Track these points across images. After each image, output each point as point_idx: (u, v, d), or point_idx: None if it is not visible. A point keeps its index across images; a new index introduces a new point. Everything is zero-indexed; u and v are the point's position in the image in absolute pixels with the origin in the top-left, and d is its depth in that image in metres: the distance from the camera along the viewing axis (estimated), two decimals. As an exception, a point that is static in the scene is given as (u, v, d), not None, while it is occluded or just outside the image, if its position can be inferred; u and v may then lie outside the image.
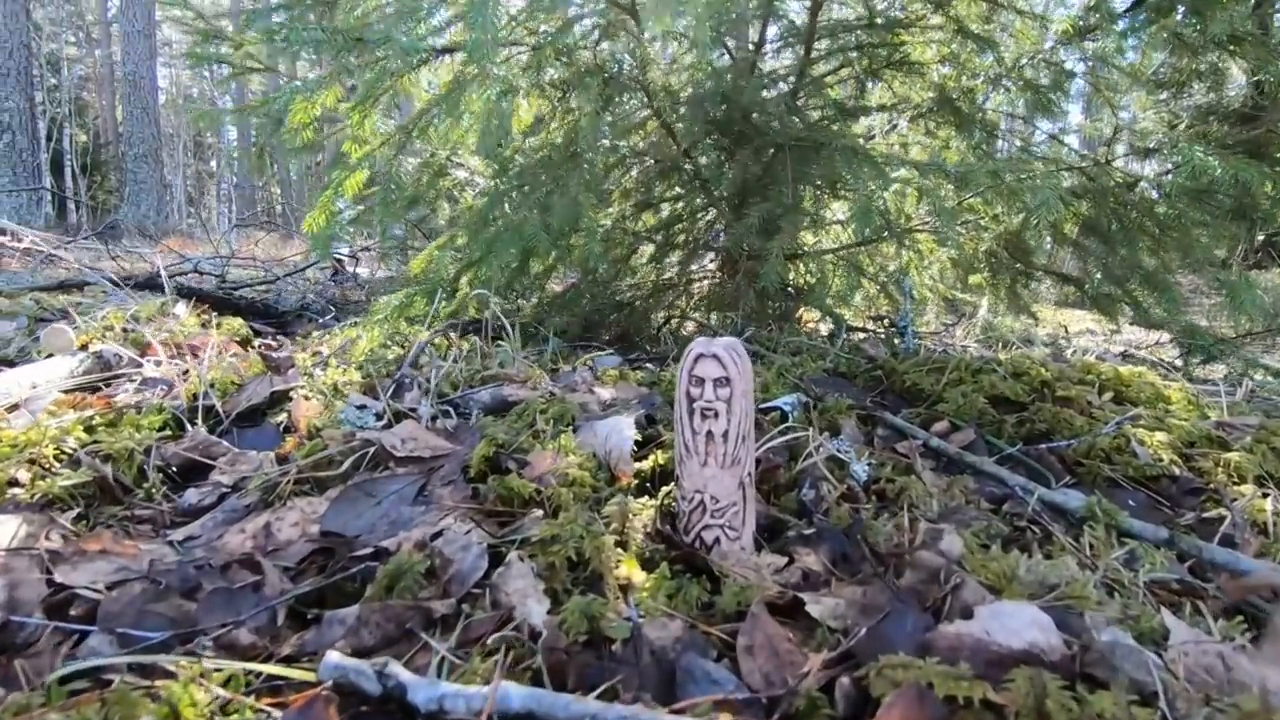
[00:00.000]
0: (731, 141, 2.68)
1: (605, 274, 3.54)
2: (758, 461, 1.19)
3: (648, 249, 3.59)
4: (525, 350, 2.27)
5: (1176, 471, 1.31)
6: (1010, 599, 0.80)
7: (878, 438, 1.53)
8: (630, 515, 0.93)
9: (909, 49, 3.02)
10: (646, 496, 1.03)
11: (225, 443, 1.18)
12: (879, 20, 2.77)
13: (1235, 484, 1.29)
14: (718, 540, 0.95)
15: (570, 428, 1.25)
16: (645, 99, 2.58)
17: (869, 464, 1.21)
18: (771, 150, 2.72)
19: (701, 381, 0.93)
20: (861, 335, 3.24)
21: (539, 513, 0.96)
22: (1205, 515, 1.19)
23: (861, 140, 2.85)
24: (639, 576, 0.82)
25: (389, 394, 1.32)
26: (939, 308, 3.83)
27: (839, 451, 1.23)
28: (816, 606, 0.80)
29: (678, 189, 3.26)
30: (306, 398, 1.33)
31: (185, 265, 4.28)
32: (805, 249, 3.53)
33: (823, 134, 2.42)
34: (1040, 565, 0.90)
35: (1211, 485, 1.28)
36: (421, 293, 2.12)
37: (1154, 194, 2.37)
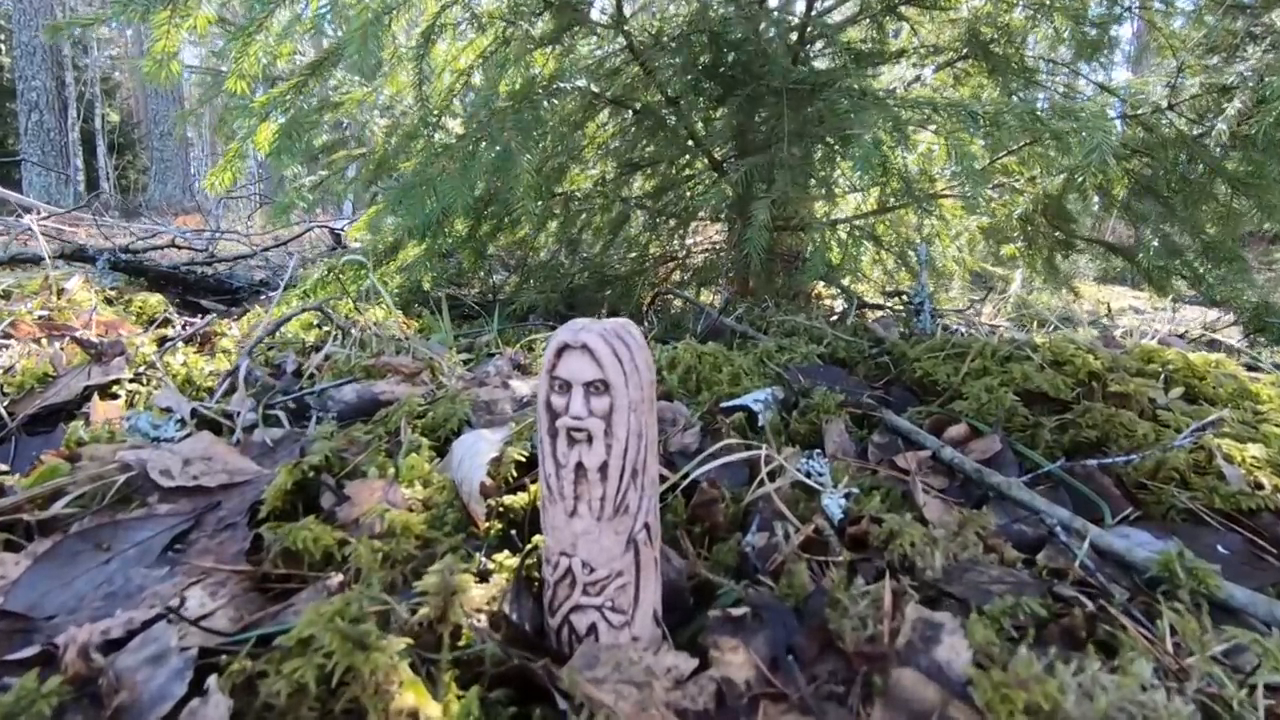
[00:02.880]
0: (724, 89, 2.31)
1: (591, 244, 3.20)
2: (687, 493, 0.86)
3: (639, 217, 3.25)
4: (470, 331, 1.95)
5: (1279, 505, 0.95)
6: (1051, 773, 0.46)
7: (873, 445, 1.18)
8: (458, 592, 0.61)
9: (933, -18, 2.60)
10: (507, 551, 0.71)
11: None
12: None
13: (1367, 521, 0.93)
14: (594, 628, 0.62)
15: (445, 439, 0.93)
16: (623, 40, 2.22)
17: (849, 493, 0.87)
18: (771, 101, 2.34)
19: (567, 387, 0.60)
20: (878, 314, 2.87)
21: (334, 581, 0.64)
22: (1333, 572, 0.84)
23: (877, 89, 2.45)
24: (430, 711, 0.50)
25: (222, 392, 1.01)
26: (965, 282, 3.42)
27: (809, 477, 0.89)
28: (717, 774, 0.47)
29: (666, 147, 2.90)
30: (113, 395, 1.02)
31: (158, 240, 4.03)
32: (810, 217, 3.16)
33: (826, 76, 2.04)
34: (1098, 683, 0.55)
35: (1336, 524, 0.92)
36: (350, 263, 1.81)
37: (1221, 142, 1.95)
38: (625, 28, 2.18)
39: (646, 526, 0.63)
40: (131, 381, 1.11)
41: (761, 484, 0.84)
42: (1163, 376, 1.35)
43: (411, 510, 0.72)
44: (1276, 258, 5.96)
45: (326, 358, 1.32)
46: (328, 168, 3.16)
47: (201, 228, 4.77)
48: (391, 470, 0.78)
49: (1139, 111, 2.34)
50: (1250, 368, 1.49)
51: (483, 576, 0.67)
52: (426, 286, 2.33)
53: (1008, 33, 2.58)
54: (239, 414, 0.93)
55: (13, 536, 0.70)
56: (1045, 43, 2.68)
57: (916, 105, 1.79)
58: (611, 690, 0.55)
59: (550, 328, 2.02)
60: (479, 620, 0.62)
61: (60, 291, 1.68)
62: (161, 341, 1.42)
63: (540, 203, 2.05)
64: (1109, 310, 4.29)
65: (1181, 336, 2.67)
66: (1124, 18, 2.46)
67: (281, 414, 0.94)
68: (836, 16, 2.76)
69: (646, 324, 2.67)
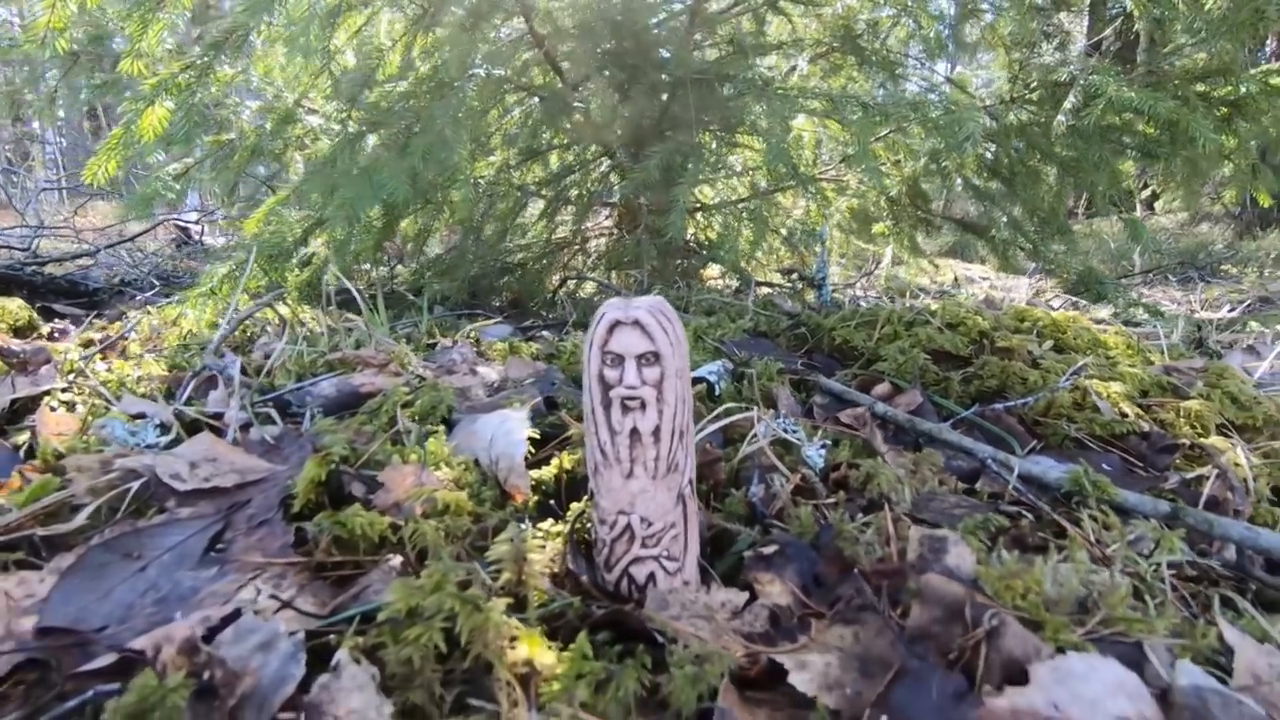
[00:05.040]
0: (627, 78, 2.37)
1: (491, 233, 3.17)
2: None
3: (538, 205, 3.25)
4: (400, 323, 1.91)
5: (1146, 427, 1.18)
6: (1052, 638, 0.59)
7: (817, 407, 1.32)
8: (527, 556, 0.65)
9: (809, -21, 2.80)
10: (551, 520, 0.75)
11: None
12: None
13: (1201, 436, 1.18)
14: (652, 577, 0.69)
15: (444, 425, 0.95)
16: (525, 24, 2.23)
17: (823, 445, 0.99)
18: (670, 89, 2.44)
19: (619, 360, 0.66)
20: (767, 290, 3.07)
21: (394, 562, 0.66)
22: (1186, 477, 1.06)
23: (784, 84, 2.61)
24: (546, 659, 0.55)
25: (184, 396, 0.96)
26: (841, 259, 3.73)
27: (787, 432, 0.99)
28: (802, 675, 0.56)
29: (566, 135, 2.92)
30: (61, 406, 0.94)
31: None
32: (705, 201, 3.31)
33: (729, 67, 2.16)
34: (1063, 570, 0.70)
35: (1181, 439, 1.16)
36: (259, 258, 1.71)
37: (1059, 132, 2.29)
38: (530, 13, 2.19)
39: (690, 482, 0.70)
40: (64, 391, 1.02)
41: (754, 441, 0.93)
42: (1035, 332, 1.60)
43: (458, 486, 0.74)
44: (1093, 229, 6.93)
45: (267, 355, 1.26)
46: (192, 155, 2.90)
47: (11, 224, 4.19)
48: (415, 455, 0.80)
49: (987, 104, 2.67)
50: (1097, 321, 1.78)
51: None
52: (330, 281, 2.24)
53: (875, 29, 2.83)
54: (225, 414, 0.89)
55: (19, 555, 0.65)
56: (908, 41, 2.96)
57: (817, 97, 1.94)
58: (688, 624, 0.62)
59: (486, 318, 2.02)
60: (545, 581, 0.67)
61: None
62: (87, 346, 1.28)
63: (482, 193, 2.02)
64: (956, 280, 4.82)
65: (1044, 299, 3.07)
66: (978, 14, 2.78)
67: (273, 411, 0.91)
68: (722, 7, 2.89)
69: (560, 310, 2.71)
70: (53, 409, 0.93)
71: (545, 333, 2.16)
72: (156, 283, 2.52)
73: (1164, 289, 6.23)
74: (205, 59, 1.48)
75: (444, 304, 2.51)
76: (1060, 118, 2.04)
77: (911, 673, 0.56)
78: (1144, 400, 1.29)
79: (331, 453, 0.76)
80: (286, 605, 0.57)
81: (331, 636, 0.56)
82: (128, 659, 0.54)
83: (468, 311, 2.44)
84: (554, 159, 3.22)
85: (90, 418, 0.92)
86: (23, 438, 0.93)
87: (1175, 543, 0.82)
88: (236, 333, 1.66)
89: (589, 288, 3.04)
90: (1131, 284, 3.90)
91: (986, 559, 0.71)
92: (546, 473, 0.82)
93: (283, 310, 1.52)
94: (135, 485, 0.71)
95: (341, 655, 0.51)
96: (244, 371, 1.19)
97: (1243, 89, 2.37)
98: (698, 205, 3.18)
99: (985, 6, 2.90)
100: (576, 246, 3.33)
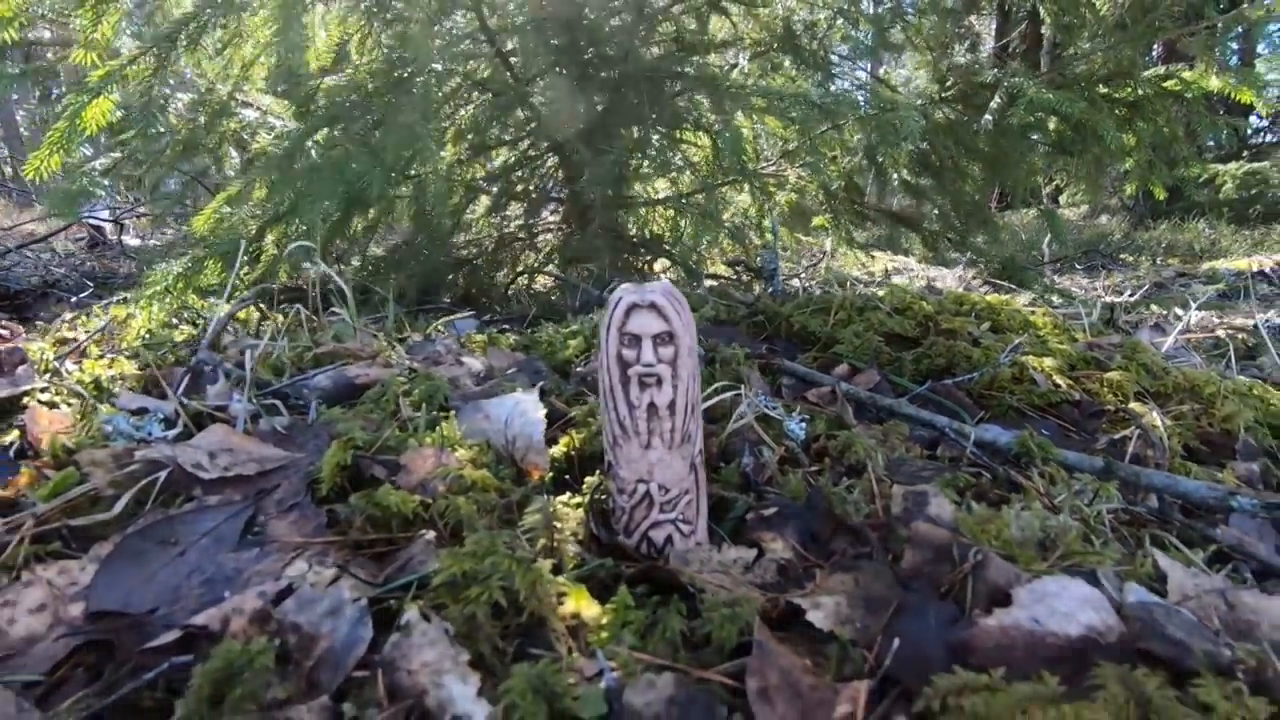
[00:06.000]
0: (578, 75, 2.41)
1: (442, 228, 3.15)
2: (687, 431, 1.01)
3: (484, 200, 3.24)
4: (360, 319, 1.90)
5: (1076, 396, 1.32)
6: (1025, 568, 0.68)
7: (785, 386, 1.40)
8: (558, 523, 0.70)
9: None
10: (567, 493, 0.80)
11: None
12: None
13: (1123, 402, 1.32)
14: (669, 540, 0.75)
15: (445, 412, 0.98)
16: (479, 22, 2.23)
17: (803, 419, 1.07)
18: (618, 85, 2.49)
19: (637, 340, 0.71)
20: (712, 282, 3.17)
21: (429, 535, 0.70)
22: (1113, 438, 1.19)
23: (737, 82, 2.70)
24: (591, 611, 0.60)
25: (181, 388, 0.96)
26: (788, 251, 3.87)
27: (769, 409, 1.07)
28: (818, 613, 0.63)
29: (516, 131, 2.94)
30: (50, 405, 0.93)
31: None
32: (653, 195, 3.38)
33: (681, 65, 2.23)
34: (1024, 517, 0.80)
35: (1107, 406, 1.30)
36: (214, 255, 1.67)
37: (985, 129, 2.46)
38: (483, 9, 2.20)
39: (700, 451, 0.77)
40: (42, 391, 0.99)
41: (741, 419, 1.00)
42: (974, 314, 1.74)
43: (476, 465, 0.78)
44: (1006, 221, 7.37)
45: (242, 351, 1.26)
46: (119, 149, 2.77)
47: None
48: (430, 439, 0.83)
49: (918, 103, 2.84)
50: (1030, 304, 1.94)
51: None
52: (283, 277, 2.20)
53: (812, 30, 2.96)
54: (229, 406, 0.89)
55: (54, 547, 0.66)
56: (841, 41, 3.10)
57: (767, 95, 2.04)
58: (710, 577, 0.69)
59: (447, 312, 2.03)
60: (573, 546, 0.72)
61: None
62: (61, 344, 1.24)
63: (446, 184, 2.02)
64: (887, 271, 5.08)
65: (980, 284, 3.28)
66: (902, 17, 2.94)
67: (279, 403, 0.92)
68: (666, 4, 2.96)
69: (516, 304, 2.73)
70: (51, 405, 0.91)
71: (505, 326, 2.18)
72: (89, 283, 2.40)
73: (1071, 277, 6.70)
74: (160, 51, 1.44)
75: (399, 300, 2.50)
76: (987, 117, 2.20)
77: (911, 606, 0.64)
78: (1073, 373, 1.43)
79: (354, 438, 0.78)
80: (344, 574, 0.61)
81: (392, 602, 0.60)
82: (190, 634, 0.57)
83: (430, 308, 2.43)
84: (502, 154, 3.22)
85: (81, 415, 0.91)
86: (10, 437, 0.91)
87: (1111, 491, 0.94)
88: (196, 329, 1.63)
89: (544, 281, 3.07)
90: (1044, 273, 4.21)
91: (961, 510, 0.81)
92: (557, 450, 0.86)
93: (261, 310, 1.50)
94: (162, 476, 0.72)
95: (411, 614, 0.55)
96: (239, 366, 1.19)
97: (1140, 91, 2.62)
98: (646, 199, 3.25)
99: (908, 8, 3.08)
100: (526, 242, 3.35)
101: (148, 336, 1.51)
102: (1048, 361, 1.42)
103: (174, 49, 1.46)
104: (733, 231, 3.52)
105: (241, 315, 1.86)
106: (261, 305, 1.55)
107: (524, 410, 0.84)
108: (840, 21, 2.89)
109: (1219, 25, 2.62)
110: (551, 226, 3.49)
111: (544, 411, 0.85)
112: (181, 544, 0.67)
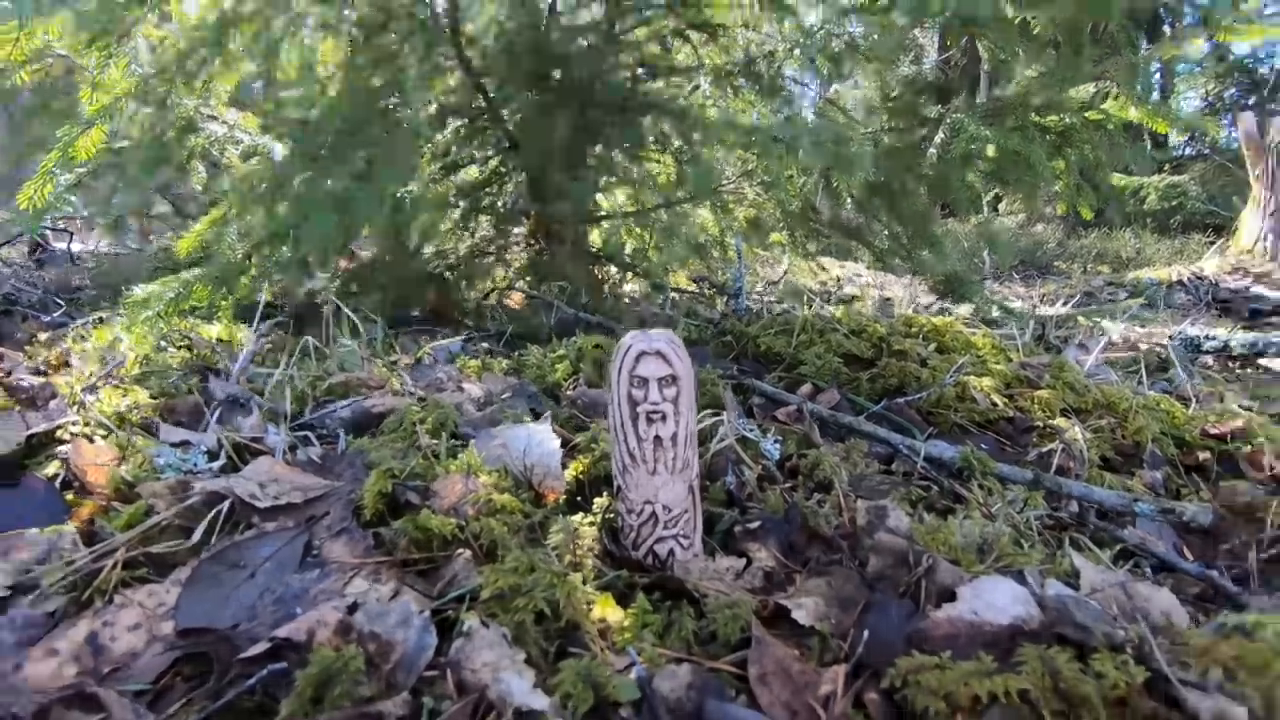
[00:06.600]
0: (554, 100, 2.52)
1: (413, 244, 3.21)
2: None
3: (452, 214, 3.31)
4: (341, 339, 1.97)
5: (1010, 413, 1.49)
6: (967, 569, 0.83)
7: (756, 406, 1.54)
8: (580, 539, 0.82)
9: (711, 12, 3.05)
10: (580, 513, 0.92)
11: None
12: (688, -19, 2.76)
13: (1050, 418, 1.50)
14: (671, 553, 0.87)
15: (457, 438, 1.09)
16: (455, 50, 2.31)
17: (777, 440, 1.21)
18: (586, 108, 2.61)
19: (645, 382, 0.84)
20: (676, 295, 3.32)
21: (466, 554, 0.80)
22: (1042, 451, 1.37)
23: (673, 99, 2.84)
24: (616, 615, 0.72)
25: (215, 418, 1.03)
26: (749, 266, 4.03)
27: (746, 431, 1.20)
28: (801, 612, 0.76)
29: (487, 150, 3.02)
30: (87, 438, 1.00)
31: None
32: (618, 210, 3.50)
33: (656, 96, 2.36)
34: (966, 525, 0.95)
35: (1036, 422, 1.48)
36: (205, 279, 1.72)
37: (931, 157, 2.67)
38: (459, 41, 2.28)
39: (697, 474, 0.89)
40: (73, 424, 1.06)
41: (723, 440, 1.13)
42: (921, 335, 1.91)
43: (500, 490, 0.89)
44: (950, 229, 7.74)
45: (250, 380, 1.33)
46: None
47: None
48: (455, 466, 0.94)
49: (869, 130, 3.04)
50: (967, 325, 2.13)
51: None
52: (269, 295, 2.24)
53: (771, 59, 3.13)
54: (265, 438, 0.98)
55: (141, 573, 0.74)
56: (799, 68, 3.28)
57: (733, 128, 2.18)
58: (710, 584, 0.81)
59: (429, 332, 2.11)
60: (592, 560, 0.83)
61: None
62: (55, 369, 1.28)
63: (437, 213, 2.09)
64: (839, 280, 5.32)
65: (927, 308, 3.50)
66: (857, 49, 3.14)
67: (311, 435, 1.01)
68: (629, 26, 3.09)
69: (491, 320, 2.81)
70: (88, 439, 0.98)
71: (484, 344, 2.28)
72: (58, 301, 2.40)
73: (1009, 285, 7.09)
74: (163, 89, 1.49)
75: (376, 315, 2.55)
76: (931, 150, 2.39)
77: (876, 604, 0.78)
78: (1008, 390, 1.61)
79: (392, 468, 0.88)
80: (401, 589, 0.71)
81: (449, 612, 0.70)
82: (278, 646, 0.67)
83: (410, 328, 2.50)
84: (472, 170, 3.30)
85: (119, 447, 0.99)
86: (50, 469, 0.98)
87: (1038, 500, 1.11)
88: (193, 354, 1.69)
89: (517, 297, 3.15)
90: (983, 286, 4.51)
91: (914, 520, 0.95)
92: (568, 474, 0.98)
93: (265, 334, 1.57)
94: (225, 506, 0.81)
95: (471, 622, 0.66)
96: (259, 395, 1.27)
97: (1068, 120, 2.87)
98: (610, 213, 3.37)
99: (859, 39, 3.28)
100: (495, 257, 3.43)
101: (146, 362, 1.56)
102: (986, 381, 1.59)
103: (170, 88, 1.51)
104: (695, 247, 3.68)
105: (229, 335, 1.91)
106: (247, 324, 1.62)
107: (541, 440, 0.96)
108: (797, 52, 3.07)
109: (1139, 61, 2.89)
110: (518, 239, 3.58)
111: (559, 442, 0.97)
112: (249, 567, 0.76)
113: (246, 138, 2.75)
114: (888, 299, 4.60)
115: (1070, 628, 0.73)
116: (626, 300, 3.21)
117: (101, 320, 2.10)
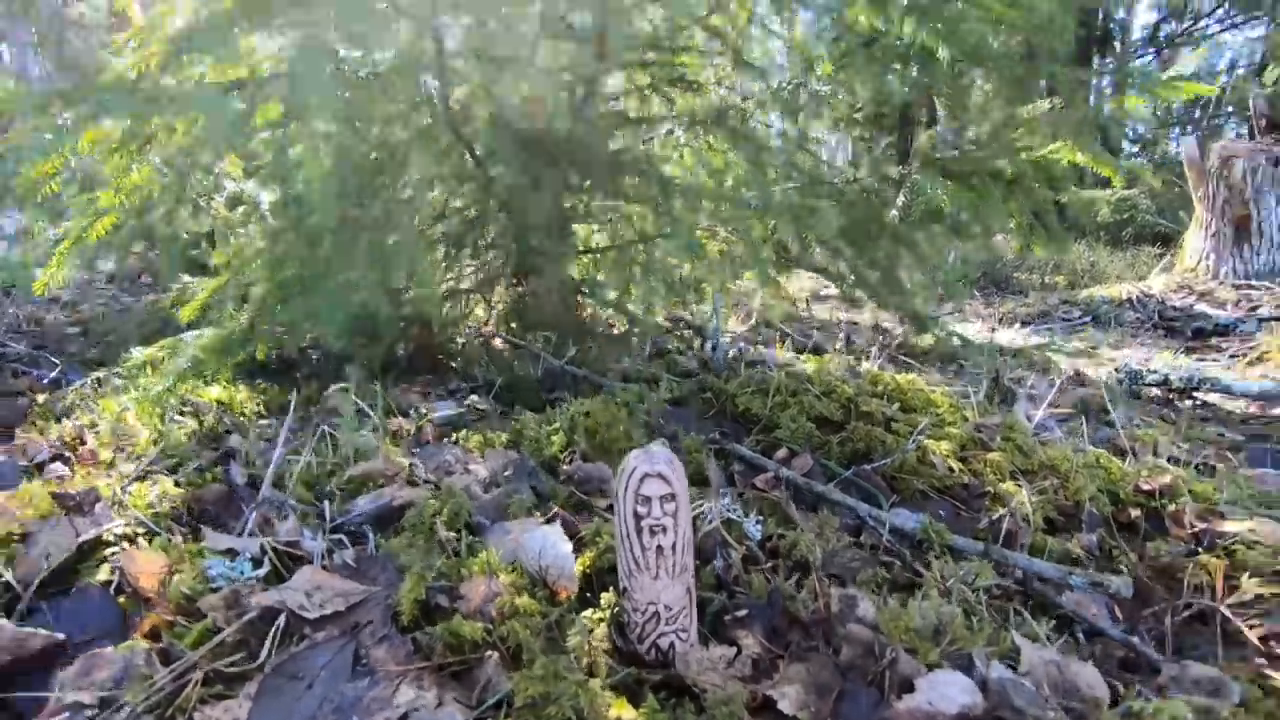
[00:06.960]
0: (544, 163, 2.64)
1: (395, 288, 3.29)
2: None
3: (434, 254, 3.41)
4: (332, 393, 2.06)
5: (965, 480, 1.65)
6: (924, 659, 0.97)
7: (737, 474, 1.68)
8: (594, 639, 0.94)
9: (686, 69, 3.21)
10: (590, 609, 1.05)
11: (43, 632, 0.94)
12: (665, 43, 2.91)
13: (1000, 481, 1.67)
14: (672, 645, 1.00)
15: (471, 530, 1.20)
16: (451, 131, 2.42)
17: (758, 521, 1.35)
18: (569, 164, 2.74)
19: (648, 500, 0.96)
20: (652, 342, 3.46)
21: (494, 656, 0.92)
22: (993, 517, 1.53)
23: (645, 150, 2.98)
24: (630, 715, 0.85)
25: (253, 521, 1.14)
26: (725, 304, 4.19)
27: (730, 513, 1.34)
28: (785, 701, 0.90)
29: (470, 200, 3.13)
30: (130, 539, 1.09)
31: None
32: (588, 246, 3.62)
33: (634, 160, 2.51)
34: (924, 607, 1.09)
35: (988, 487, 1.64)
36: (214, 350, 1.81)
37: (895, 213, 2.86)
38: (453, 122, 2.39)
39: (692, 575, 1.02)
40: (117, 528, 1.15)
41: (710, 522, 1.27)
42: (885, 396, 2.07)
43: (517, 590, 1.01)
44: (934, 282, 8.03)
45: (267, 463, 1.43)
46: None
47: None
48: (477, 568, 1.05)
49: (834, 180, 3.22)
50: (923, 375, 2.31)
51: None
52: (261, 355, 2.32)
53: (742, 114, 3.30)
54: (302, 542, 1.08)
55: (217, 690, 0.85)
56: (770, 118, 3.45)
57: (712, 197, 2.33)
58: (707, 677, 0.95)
59: (420, 390, 2.21)
60: (604, 657, 0.96)
61: None
62: (71, 446, 1.37)
63: (436, 293, 2.19)
64: (808, 301, 5.53)
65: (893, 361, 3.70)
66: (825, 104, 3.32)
67: (344, 537, 1.11)
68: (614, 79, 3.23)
69: (478, 367, 2.91)
70: (136, 544, 1.08)
71: (474, 397, 2.38)
72: (55, 360, 2.44)
73: (970, 303, 7.38)
74: (174, 187, 1.58)
75: (362, 364, 2.64)
76: (893, 213, 2.57)
77: (848, 692, 0.92)
78: (964, 453, 1.77)
79: (425, 574, 1.00)
80: (444, 697, 0.83)
81: (488, 718, 0.82)
82: (344, 756, 0.78)
83: (405, 377, 2.59)
84: (454, 220, 3.40)
85: (165, 551, 1.08)
86: (101, 574, 1.07)
87: (988, 571, 1.26)
88: (200, 424, 1.77)
89: (500, 343, 3.26)
90: (942, 321, 4.75)
91: (880, 604, 1.10)
92: (576, 569, 1.10)
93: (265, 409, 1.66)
94: (281, 621, 0.91)
95: (511, 733, 0.78)
96: (252, 485, 1.36)
97: (1017, 168, 3.08)
98: (588, 248, 3.50)
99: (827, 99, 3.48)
100: (477, 297, 3.53)
101: (159, 437, 1.64)
102: (944, 445, 1.75)
103: (185, 180, 1.60)
104: (671, 285, 3.82)
105: (229, 397, 1.99)
106: (244, 386, 1.71)
107: (554, 543, 1.08)
108: (765, 106, 3.24)
109: (1087, 115, 3.11)
110: (499, 277, 3.68)
111: (570, 545, 1.09)
112: (307, 678, 0.87)
113: (231, 184, 2.82)
114: (854, 323, 4.82)
115: (1009, 711, 0.88)
116: (608, 344, 3.33)
117: (100, 383, 2.17)
